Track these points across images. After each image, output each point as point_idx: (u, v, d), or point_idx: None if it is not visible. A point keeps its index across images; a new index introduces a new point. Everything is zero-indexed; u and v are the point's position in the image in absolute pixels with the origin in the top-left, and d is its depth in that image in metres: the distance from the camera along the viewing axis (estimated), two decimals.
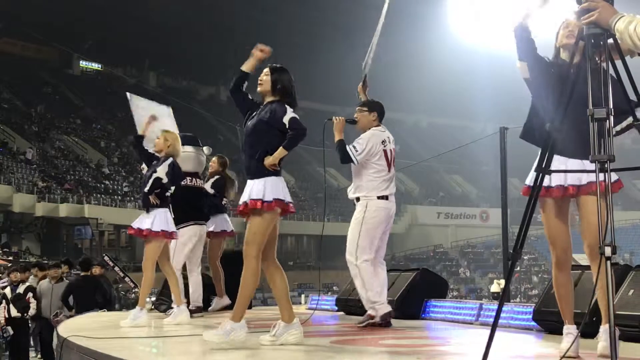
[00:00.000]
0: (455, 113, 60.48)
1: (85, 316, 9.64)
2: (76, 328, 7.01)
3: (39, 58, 53.10)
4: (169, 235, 7.35)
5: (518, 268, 43.17)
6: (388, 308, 6.66)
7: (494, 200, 35.82)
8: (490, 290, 34.45)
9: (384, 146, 6.79)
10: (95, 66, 57.20)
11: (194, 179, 8.55)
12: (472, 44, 51.03)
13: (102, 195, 41.80)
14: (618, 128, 4.07)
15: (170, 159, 7.40)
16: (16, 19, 46.67)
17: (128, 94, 9.94)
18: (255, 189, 5.28)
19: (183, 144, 8.08)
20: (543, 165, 3.49)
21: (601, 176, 3.24)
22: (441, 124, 64.15)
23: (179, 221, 7.99)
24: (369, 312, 6.59)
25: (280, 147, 5.28)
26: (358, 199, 6.70)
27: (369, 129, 6.81)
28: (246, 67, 5.55)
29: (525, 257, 46.53)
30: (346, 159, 6.61)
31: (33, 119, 47.01)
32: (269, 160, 5.26)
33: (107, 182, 43.94)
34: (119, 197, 42.53)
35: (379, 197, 6.69)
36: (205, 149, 8.90)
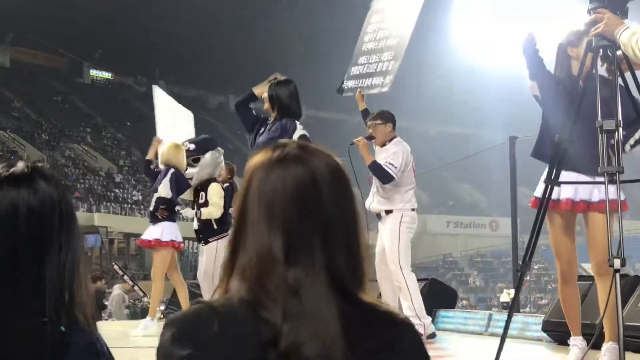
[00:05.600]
0: (464, 121, 60.37)
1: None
2: None
3: (49, 67, 53.26)
4: (178, 246, 7.37)
5: (528, 277, 43.02)
6: (434, 328, 6.57)
7: (504, 209, 35.76)
8: (500, 300, 34.25)
9: (412, 157, 6.70)
10: (106, 75, 57.33)
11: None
12: (479, 52, 50.99)
13: (112, 204, 41.89)
14: (632, 142, 4.06)
15: (171, 172, 7.37)
16: (27, 28, 46.86)
17: (154, 87, 9.93)
18: None
19: (203, 151, 8.00)
20: (552, 177, 3.48)
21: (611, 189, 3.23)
22: (450, 132, 64.02)
23: (217, 232, 7.87)
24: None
25: None
26: (389, 211, 6.57)
27: (388, 140, 6.70)
28: (257, 91, 5.62)
29: (535, 267, 46.36)
30: (387, 178, 6.41)
31: (43, 128, 47.16)
32: None
33: (116, 191, 44.04)
34: (129, 206, 42.61)
35: (412, 210, 6.60)
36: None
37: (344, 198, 1.40)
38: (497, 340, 6.66)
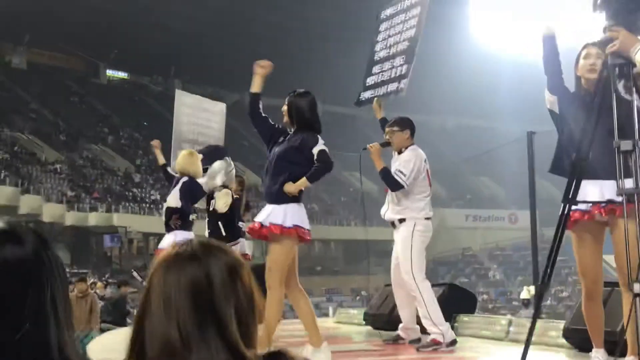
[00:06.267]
0: (481, 114, 60.15)
1: (115, 333, 9.66)
2: (104, 349, 7.02)
3: (65, 68, 53.48)
4: None
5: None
6: (454, 335, 6.50)
7: (522, 201, 35.65)
8: (520, 296, 34.05)
9: (427, 165, 6.61)
10: (122, 75, 57.56)
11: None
12: (497, 44, 50.78)
13: (131, 204, 42.03)
14: None
15: (182, 181, 7.35)
16: (43, 30, 47.07)
17: (177, 91, 10.02)
18: (274, 213, 5.26)
19: (211, 161, 8.04)
20: (569, 196, 3.43)
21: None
22: (467, 125, 63.82)
23: (225, 241, 7.82)
24: (434, 337, 6.28)
25: (304, 177, 5.25)
26: (402, 220, 6.47)
27: (405, 147, 6.65)
28: (253, 87, 5.52)
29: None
30: (396, 185, 6.35)
31: (61, 129, 47.37)
32: (289, 187, 5.24)
33: (135, 190, 44.18)
34: (147, 205, 42.74)
35: (426, 219, 6.52)
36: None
37: (238, 293, 1.54)
38: (518, 347, 6.62)
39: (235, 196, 8.71)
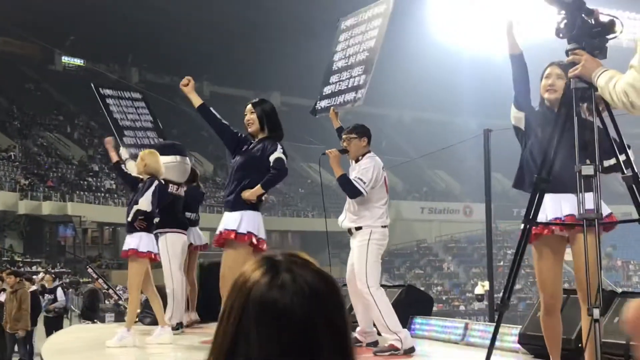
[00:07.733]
0: (439, 108, 60.51)
1: (66, 332, 9.57)
2: (58, 349, 6.96)
3: (20, 54, 52.61)
4: (154, 258, 7.30)
5: (502, 263, 43.32)
6: (413, 341, 6.52)
7: (477, 195, 35.96)
8: (474, 292, 34.50)
9: (384, 172, 6.62)
10: (78, 62, 56.69)
11: (179, 188, 8.37)
12: (454, 39, 51.11)
13: (85, 193, 41.53)
14: (605, 164, 4.04)
15: (155, 184, 7.27)
16: None
17: (93, 84, 10.13)
18: (230, 219, 5.29)
19: (167, 154, 8.00)
20: (530, 217, 3.46)
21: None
22: (424, 118, 64.13)
23: (164, 226, 7.84)
24: (392, 342, 6.27)
25: (258, 185, 5.28)
26: (359, 228, 6.45)
27: (361, 155, 6.64)
28: (194, 103, 5.65)
29: (508, 252, 46.68)
30: (355, 193, 6.31)
31: (15, 116, 46.63)
32: (246, 194, 5.26)
33: (90, 180, 43.65)
34: (102, 195, 42.27)
35: (382, 227, 6.51)
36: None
37: (340, 300, 1.41)
38: (473, 350, 6.69)
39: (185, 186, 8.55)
